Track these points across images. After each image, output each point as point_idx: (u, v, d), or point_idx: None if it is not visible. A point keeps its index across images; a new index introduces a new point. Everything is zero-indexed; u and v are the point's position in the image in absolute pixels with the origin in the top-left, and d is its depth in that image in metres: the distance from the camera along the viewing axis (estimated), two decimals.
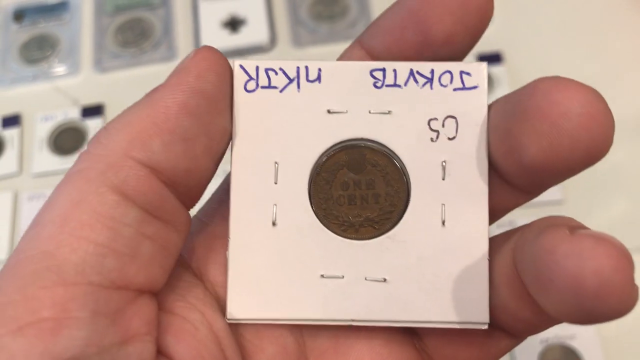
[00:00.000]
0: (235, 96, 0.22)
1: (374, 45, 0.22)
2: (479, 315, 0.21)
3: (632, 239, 0.45)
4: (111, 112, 0.50)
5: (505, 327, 0.22)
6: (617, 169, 0.45)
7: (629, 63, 0.49)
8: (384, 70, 0.22)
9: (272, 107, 0.22)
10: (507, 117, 0.20)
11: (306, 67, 0.22)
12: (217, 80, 0.21)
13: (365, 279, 0.22)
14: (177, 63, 0.21)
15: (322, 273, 0.22)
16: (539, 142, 0.18)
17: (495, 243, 0.22)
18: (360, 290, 0.22)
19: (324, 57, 0.23)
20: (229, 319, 0.22)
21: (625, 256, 0.17)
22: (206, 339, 0.20)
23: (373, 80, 0.22)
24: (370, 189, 0.22)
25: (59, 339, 0.17)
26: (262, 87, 0.22)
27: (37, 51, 0.53)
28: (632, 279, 0.17)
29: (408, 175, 0.22)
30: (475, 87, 0.22)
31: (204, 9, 0.53)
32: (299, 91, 0.22)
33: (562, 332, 0.40)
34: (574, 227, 0.18)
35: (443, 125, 0.22)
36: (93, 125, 0.49)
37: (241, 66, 0.22)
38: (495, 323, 0.21)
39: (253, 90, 0.22)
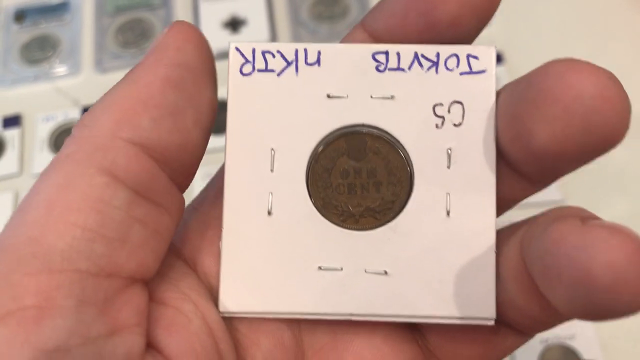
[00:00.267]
0: (230, 79, 0.21)
1: (376, 28, 0.21)
2: (485, 310, 0.20)
3: None
4: None
5: (512, 324, 0.21)
6: (619, 170, 0.45)
7: (630, 63, 0.49)
8: (386, 53, 0.21)
9: (269, 91, 0.21)
10: (516, 102, 0.19)
11: (305, 50, 0.21)
12: (197, 51, 0.20)
13: (365, 271, 0.21)
14: None
15: (319, 265, 0.21)
16: (551, 127, 0.17)
17: (502, 235, 0.21)
18: (360, 283, 0.21)
19: None
20: (221, 312, 0.21)
21: None
22: (199, 332, 0.19)
23: (375, 63, 0.21)
24: (371, 177, 0.21)
25: (42, 329, 0.16)
26: (259, 71, 0.21)
27: (38, 52, 0.53)
28: None
29: (411, 163, 0.21)
30: (483, 72, 0.21)
31: (204, 10, 0.53)
32: (297, 75, 0.21)
33: (562, 332, 0.40)
34: (585, 218, 0.17)
35: (449, 111, 0.21)
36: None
37: (237, 48, 0.21)
38: (501, 319, 0.20)
39: (249, 74, 0.21)
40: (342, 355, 0.22)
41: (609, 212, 0.44)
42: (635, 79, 0.48)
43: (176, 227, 0.20)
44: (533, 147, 0.18)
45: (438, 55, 0.21)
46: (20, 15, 0.55)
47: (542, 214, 0.19)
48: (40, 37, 0.54)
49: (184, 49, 0.20)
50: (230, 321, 0.21)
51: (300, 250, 0.21)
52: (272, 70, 0.21)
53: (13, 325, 0.16)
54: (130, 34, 0.53)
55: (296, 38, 0.52)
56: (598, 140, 0.17)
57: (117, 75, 0.52)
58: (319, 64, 0.21)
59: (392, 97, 0.21)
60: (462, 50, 0.21)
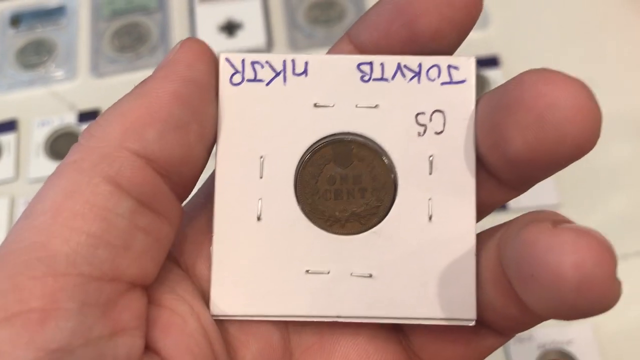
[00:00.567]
0: (220, 89, 0.22)
1: (362, 40, 0.22)
2: (466, 311, 0.21)
3: (630, 243, 0.45)
4: None
5: (491, 325, 0.22)
6: (615, 172, 0.45)
7: (627, 65, 0.49)
8: (371, 64, 0.22)
9: (257, 101, 0.22)
10: (492, 111, 0.20)
11: (293, 61, 0.22)
12: (206, 69, 0.21)
13: (351, 274, 0.21)
14: None
15: (307, 268, 0.21)
16: (524, 135, 0.18)
17: (480, 239, 0.21)
18: (346, 286, 0.21)
19: None
20: (213, 315, 0.21)
21: (607, 250, 0.16)
22: (195, 333, 0.20)
23: (360, 74, 0.22)
24: (356, 183, 0.22)
25: (46, 330, 0.17)
26: (248, 81, 0.22)
27: (34, 56, 0.53)
28: (613, 273, 0.16)
29: (395, 170, 0.22)
30: (463, 81, 0.21)
31: (200, 13, 0.53)
32: (285, 84, 0.22)
33: (559, 337, 0.40)
34: (557, 221, 0.18)
35: (430, 120, 0.21)
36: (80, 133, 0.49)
37: (227, 59, 0.22)
38: (481, 320, 0.21)
39: (239, 84, 0.22)
40: (328, 356, 0.22)
41: (605, 213, 0.44)
42: (632, 81, 0.48)
43: (175, 236, 0.21)
44: (508, 154, 0.19)
45: (420, 65, 0.22)
46: (16, 20, 0.55)
47: (517, 218, 0.20)
48: (36, 41, 0.54)
49: (194, 66, 0.20)
50: (221, 323, 0.22)
51: (289, 254, 0.22)
52: (261, 80, 0.22)
53: (18, 326, 0.16)
54: (126, 38, 0.53)
55: (292, 42, 0.52)
56: (570, 148, 0.18)
57: (114, 80, 0.53)
58: (306, 74, 0.22)
59: (376, 106, 0.22)
60: (443, 61, 0.22)
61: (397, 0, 0.21)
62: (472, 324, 0.21)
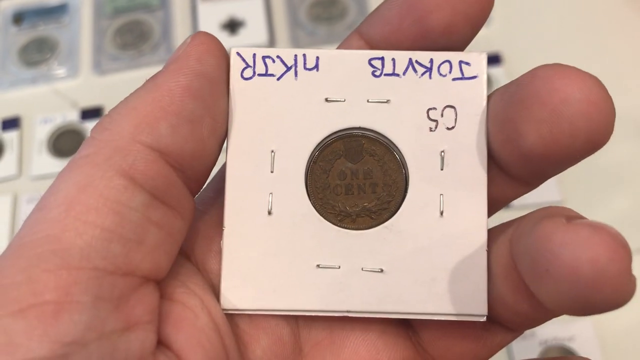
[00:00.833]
0: (231, 83, 0.22)
1: (372, 35, 0.22)
2: (477, 307, 0.21)
3: (633, 240, 0.45)
4: None
5: (501, 321, 0.22)
6: (618, 170, 0.45)
7: (630, 63, 0.49)
8: (382, 59, 0.22)
9: (268, 95, 0.22)
10: (505, 106, 0.20)
11: (304, 55, 0.22)
12: (217, 62, 0.21)
13: (362, 269, 0.21)
14: None
15: (318, 263, 0.21)
16: (539, 129, 0.18)
17: (492, 235, 0.21)
18: (357, 281, 0.21)
19: None
20: (223, 309, 0.21)
21: (622, 246, 0.16)
22: (206, 327, 0.20)
23: (372, 69, 0.22)
24: (367, 178, 0.22)
25: (60, 323, 0.17)
26: (259, 75, 0.22)
27: (37, 54, 0.53)
28: (629, 269, 0.16)
29: (406, 165, 0.22)
30: (474, 77, 0.21)
31: (202, 11, 0.53)
32: (296, 79, 0.22)
33: (561, 334, 0.40)
34: (571, 217, 0.18)
35: (442, 115, 0.21)
36: (92, 127, 0.49)
37: (238, 53, 0.22)
38: (491, 316, 0.21)
39: (250, 78, 0.22)
40: (338, 351, 0.22)
41: (607, 211, 0.44)
42: (633, 78, 0.48)
43: (187, 230, 0.21)
44: (522, 149, 0.19)
45: (432, 61, 0.22)
46: (19, 17, 0.55)
47: (530, 214, 0.20)
48: (39, 39, 0.54)
49: (205, 60, 0.20)
50: (231, 317, 0.22)
51: (299, 249, 0.22)
52: (272, 75, 0.22)
53: (32, 318, 0.16)
54: (128, 35, 0.53)
55: (294, 39, 0.52)
56: (584, 143, 0.18)
57: (116, 78, 0.53)
58: (317, 69, 0.22)
59: (387, 101, 0.22)
60: (454, 57, 0.22)
61: None
62: (483, 319, 0.21)
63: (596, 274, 0.16)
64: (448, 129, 0.21)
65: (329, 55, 0.22)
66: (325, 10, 0.53)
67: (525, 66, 0.20)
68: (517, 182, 0.21)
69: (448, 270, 0.21)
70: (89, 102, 0.51)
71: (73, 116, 0.50)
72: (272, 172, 0.22)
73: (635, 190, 0.45)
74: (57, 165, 0.48)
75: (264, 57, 0.22)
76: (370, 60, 0.22)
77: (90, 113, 0.50)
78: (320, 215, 0.22)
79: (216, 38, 0.21)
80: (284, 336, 0.22)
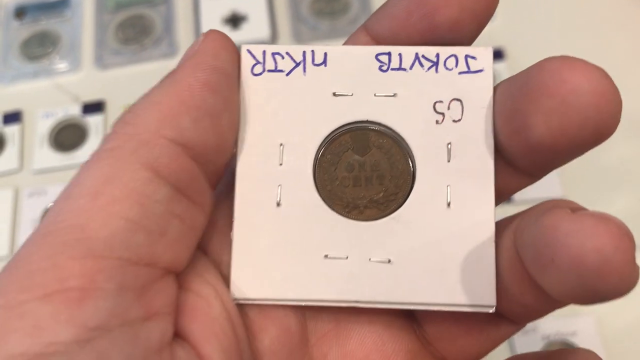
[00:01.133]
0: (242, 79, 0.22)
1: (379, 31, 0.22)
2: (485, 298, 0.21)
3: (634, 237, 0.45)
4: (112, 109, 0.50)
5: (505, 313, 0.22)
6: (619, 167, 0.45)
7: (632, 59, 0.49)
8: (389, 54, 0.22)
9: (278, 90, 0.22)
10: (513, 98, 0.20)
11: (312, 52, 0.22)
12: (231, 58, 0.21)
13: (370, 260, 0.22)
14: (178, 60, 0.21)
15: (326, 254, 0.22)
16: (548, 120, 0.18)
17: (496, 228, 0.22)
18: (365, 272, 0.21)
19: None
20: (233, 298, 0.22)
21: (626, 235, 0.17)
22: (220, 316, 0.20)
23: (379, 64, 0.22)
24: (375, 170, 0.22)
25: (85, 308, 0.17)
26: (269, 71, 0.22)
27: (38, 48, 0.53)
28: (633, 258, 0.17)
29: (413, 157, 0.22)
30: (480, 71, 0.22)
31: (205, 6, 0.53)
32: (305, 74, 0.22)
33: (563, 329, 0.40)
34: (575, 209, 0.18)
35: (448, 108, 0.22)
36: (94, 121, 0.49)
37: (248, 50, 0.23)
38: (495, 308, 0.21)
39: (260, 74, 0.22)
40: (344, 342, 0.23)
41: (608, 209, 0.44)
42: (637, 74, 0.48)
43: (207, 223, 0.21)
44: (530, 140, 0.19)
45: (438, 55, 0.22)
46: (21, 12, 0.55)
47: (534, 207, 0.20)
48: (41, 33, 0.54)
49: (220, 56, 0.21)
50: (241, 308, 0.22)
51: (308, 239, 0.22)
52: (281, 71, 0.22)
53: (58, 303, 0.17)
54: (130, 30, 0.53)
55: (297, 34, 0.52)
56: (592, 133, 0.18)
57: (118, 72, 0.53)
58: (325, 65, 0.22)
59: (394, 95, 0.22)
60: (460, 51, 0.22)
61: None
62: (492, 310, 0.21)
63: (602, 263, 0.16)
64: (455, 121, 0.22)
65: (337, 51, 0.22)
66: (327, 5, 0.52)
67: (528, 61, 0.20)
68: (521, 174, 0.21)
69: (456, 261, 0.21)
70: (91, 97, 0.51)
71: (75, 110, 0.50)
72: (280, 164, 0.22)
73: (636, 189, 0.45)
74: (58, 159, 0.48)
75: (273, 54, 0.22)
76: (377, 55, 0.22)
77: (92, 107, 0.50)
78: (328, 206, 0.22)
79: (227, 35, 0.22)
80: (292, 327, 0.22)
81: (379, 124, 0.22)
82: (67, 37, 0.53)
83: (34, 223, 0.46)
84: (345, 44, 0.24)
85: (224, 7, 0.53)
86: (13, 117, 0.50)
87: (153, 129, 0.19)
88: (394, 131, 0.22)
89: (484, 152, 0.21)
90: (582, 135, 0.18)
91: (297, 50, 0.22)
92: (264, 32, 0.52)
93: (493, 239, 0.21)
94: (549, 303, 0.20)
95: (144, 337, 0.18)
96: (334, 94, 0.22)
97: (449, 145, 0.22)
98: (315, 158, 0.22)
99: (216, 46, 0.21)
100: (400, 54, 0.22)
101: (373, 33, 0.23)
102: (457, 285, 0.21)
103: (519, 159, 0.21)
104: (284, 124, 0.22)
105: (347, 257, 0.22)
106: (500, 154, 0.21)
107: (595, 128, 0.18)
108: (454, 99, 0.22)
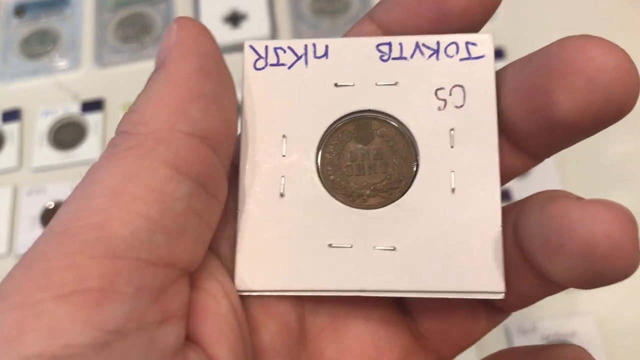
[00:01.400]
0: (245, 74, 0.22)
1: (388, 20, 0.22)
2: (494, 284, 0.21)
3: None
4: (111, 107, 0.50)
5: (498, 301, 0.22)
6: (619, 164, 0.45)
7: (634, 58, 0.49)
8: (390, 44, 0.22)
9: (280, 83, 0.22)
10: (531, 77, 0.20)
11: (314, 45, 0.23)
12: (210, 41, 0.21)
13: (374, 248, 0.21)
14: None
15: (330, 243, 0.22)
16: (574, 97, 0.19)
17: None
18: (370, 260, 0.21)
19: None
20: (238, 290, 0.22)
21: (632, 221, 0.17)
22: (228, 315, 0.20)
23: (379, 54, 0.22)
24: (378, 159, 0.22)
25: (103, 311, 0.16)
26: (271, 65, 0.23)
27: (38, 46, 0.53)
28: (637, 242, 0.17)
29: (416, 144, 0.22)
30: (481, 57, 0.22)
31: (204, 4, 0.53)
32: (306, 67, 0.22)
33: (562, 329, 0.40)
34: (574, 198, 0.19)
35: (450, 94, 0.22)
36: (93, 120, 0.49)
37: (251, 46, 0.23)
38: None
39: (262, 68, 0.23)
40: (341, 337, 0.23)
41: None
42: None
43: (220, 216, 0.21)
44: (554, 117, 0.19)
45: (438, 44, 0.22)
46: (20, 10, 0.55)
47: (533, 196, 0.21)
48: (40, 31, 0.54)
49: (201, 40, 0.20)
50: (243, 303, 0.22)
51: (312, 229, 0.22)
52: (283, 64, 0.23)
53: (76, 304, 0.16)
54: (130, 28, 0.53)
55: (297, 33, 0.52)
56: (616, 109, 0.19)
57: (117, 70, 0.52)
58: (326, 57, 0.22)
59: (396, 84, 0.22)
60: (461, 38, 0.22)
61: None
62: (501, 296, 0.21)
63: (610, 247, 0.17)
64: (457, 107, 0.22)
65: (338, 42, 0.23)
66: (328, 4, 0.52)
67: None
68: (527, 155, 0.22)
69: (462, 247, 0.21)
70: (90, 95, 0.51)
71: (74, 108, 0.50)
72: (284, 156, 0.22)
73: (636, 185, 0.45)
74: (57, 157, 0.48)
75: (275, 49, 0.23)
76: (378, 45, 0.22)
77: (92, 105, 0.50)
78: (332, 196, 0.22)
79: (197, 20, 0.21)
80: (291, 323, 0.22)
81: (381, 113, 0.22)
82: (66, 35, 0.53)
83: (32, 221, 0.46)
84: (348, 33, 0.24)
85: (224, 5, 0.53)
86: (12, 115, 0.50)
87: (166, 125, 0.19)
88: (396, 119, 0.22)
89: (488, 136, 0.21)
90: (607, 112, 0.19)
91: (298, 44, 0.23)
92: (264, 30, 0.52)
93: (500, 223, 0.21)
94: (543, 289, 0.21)
95: (160, 341, 0.18)
96: (336, 85, 0.22)
97: (452, 131, 0.22)
98: (318, 148, 0.22)
99: (194, 32, 0.20)
100: (400, 44, 0.22)
101: (380, 22, 0.23)
102: (465, 272, 0.21)
103: (531, 138, 0.21)
104: (286, 115, 0.22)
105: (351, 246, 0.21)
106: (507, 136, 0.21)
107: (620, 104, 0.19)
108: (455, 85, 0.22)
